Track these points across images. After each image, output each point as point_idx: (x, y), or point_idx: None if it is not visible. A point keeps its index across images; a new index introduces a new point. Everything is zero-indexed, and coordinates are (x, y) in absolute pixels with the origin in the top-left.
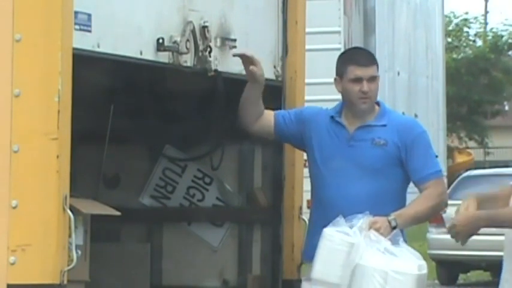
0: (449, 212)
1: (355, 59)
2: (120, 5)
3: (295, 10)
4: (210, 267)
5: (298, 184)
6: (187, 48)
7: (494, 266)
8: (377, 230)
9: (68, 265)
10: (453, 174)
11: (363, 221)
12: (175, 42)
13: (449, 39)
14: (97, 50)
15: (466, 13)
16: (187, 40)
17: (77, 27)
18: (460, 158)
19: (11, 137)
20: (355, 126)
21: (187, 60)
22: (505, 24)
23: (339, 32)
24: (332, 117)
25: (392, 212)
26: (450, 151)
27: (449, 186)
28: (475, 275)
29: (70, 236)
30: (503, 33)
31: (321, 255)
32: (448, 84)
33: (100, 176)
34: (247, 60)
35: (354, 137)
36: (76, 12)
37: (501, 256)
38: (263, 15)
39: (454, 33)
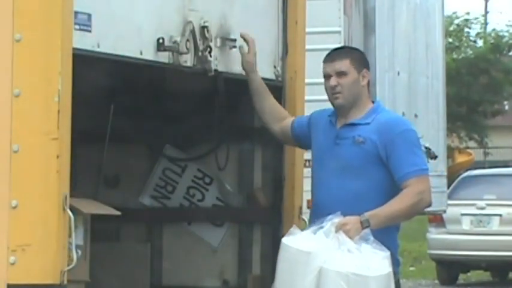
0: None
1: (326, 56)
2: (120, 5)
3: (295, 10)
4: (210, 267)
5: (298, 184)
6: (187, 48)
7: (494, 266)
8: (346, 231)
9: (68, 265)
10: (453, 174)
11: (331, 223)
12: (175, 42)
13: (450, 40)
14: (97, 50)
15: (468, 13)
16: (187, 40)
17: (77, 27)
18: (460, 158)
19: (11, 137)
20: (341, 124)
21: (187, 60)
22: (507, 25)
23: (339, 32)
24: (329, 116)
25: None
26: (450, 151)
27: (449, 186)
28: (475, 275)
29: (70, 236)
30: (505, 33)
31: (281, 267)
32: (448, 84)
33: (100, 176)
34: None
35: (339, 135)
36: (76, 12)
37: (501, 256)
38: (263, 15)
39: (455, 33)
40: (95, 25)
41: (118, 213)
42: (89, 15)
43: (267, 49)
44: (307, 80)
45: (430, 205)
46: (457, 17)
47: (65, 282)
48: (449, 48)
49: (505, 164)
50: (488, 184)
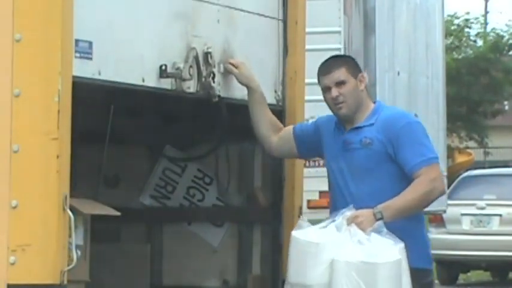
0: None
1: (320, 69)
2: (122, 32)
3: (295, 10)
4: (210, 267)
5: (298, 184)
6: (190, 74)
7: (494, 266)
8: (359, 223)
9: (68, 265)
10: (453, 174)
11: (343, 216)
12: (178, 68)
13: (451, 40)
14: (98, 77)
15: (467, 13)
16: (190, 66)
17: (78, 55)
18: (460, 158)
19: (11, 137)
20: (348, 129)
21: (191, 86)
22: (507, 25)
23: (339, 32)
24: (336, 122)
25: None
26: (450, 151)
27: (449, 186)
28: (475, 275)
29: (70, 236)
30: (505, 34)
31: (292, 259)
32: (448, 84)
33: (100, 176)
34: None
35: (347, 140)
36: (77, 40)
37: (501, 256)
38: (264, 40)
39: (455, 33)
40: (96, 52)
41: (118, 213)
42: (90, 43)
43: (268, 73)
44: (307, 80)
45: (443, 192)
46: (457, 17)
47: (65, 282)
48: (449, 48)
49: (505, 164)
50: (488, 184)
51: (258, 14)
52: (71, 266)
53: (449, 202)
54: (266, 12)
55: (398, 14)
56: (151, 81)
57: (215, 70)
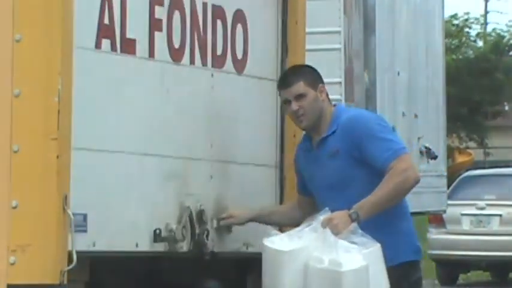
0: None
1: (280, 82)
2: (115, 200)
3: (295, 10)
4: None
5: None
6: (183, 235)
7: (494, 266)
8: (334, 226)
9: (68, 265)
10: (453, 174)
11: (317, 221)
12: (171, 230)
13: (451, 40)
14: (92, 249)
15: (467, 13)
16: (183, 227)
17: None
18: (460, 158)
19: (11, 137)
20: (316, 143)
21: (184, 246)
22: (507, 25)
23: (339, 32)
24: (304, 142)
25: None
26: (450, 151)
27: (449, 186)
28: (475, 275)
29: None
30: (505, 34)
31: (264, 269)
32: (449, 84)
33: None
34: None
35: (317, 155)
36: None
37: (501, 256)
38: (260, 189)
39: (455, 33)
40: (91, 224)
41: None
42: (85, 216)
43: None
44: None
45: (418, 181)
46: (457, 18)
47: (65, 282)
48: (449, 49)
49: (505, 164)
50: (488, 184)
51: (253, 164)
52: (71, 266)
53: (449, 202)
54: (262, 161)
55: (399, 14)
56: (145, 245)
57: (208, 226)
